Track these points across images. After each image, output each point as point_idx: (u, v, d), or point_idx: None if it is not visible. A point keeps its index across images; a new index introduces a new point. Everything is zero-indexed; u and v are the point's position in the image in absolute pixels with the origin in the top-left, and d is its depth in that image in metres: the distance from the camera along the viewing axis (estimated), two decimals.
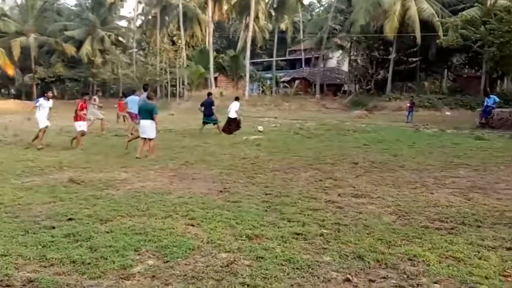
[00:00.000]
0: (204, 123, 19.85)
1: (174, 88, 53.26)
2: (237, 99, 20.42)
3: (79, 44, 56.53)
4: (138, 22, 69.00)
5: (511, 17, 28.95)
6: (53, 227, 5.93)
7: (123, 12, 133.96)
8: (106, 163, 11.58)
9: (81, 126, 14.88)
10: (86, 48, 56.12)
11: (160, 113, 13.51)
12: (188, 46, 59.62)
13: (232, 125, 19.65)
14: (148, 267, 4.69)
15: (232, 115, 19.66)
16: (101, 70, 55.98)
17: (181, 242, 5.34)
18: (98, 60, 56.94)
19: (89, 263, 4.71)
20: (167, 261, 4.83)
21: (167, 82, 53.51)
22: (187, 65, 53.28)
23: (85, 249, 5.12)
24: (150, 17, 65.39)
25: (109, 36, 58.13)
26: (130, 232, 5.73)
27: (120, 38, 64.53)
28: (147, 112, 12.83)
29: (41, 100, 15.04)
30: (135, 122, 15.90)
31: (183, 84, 53.11)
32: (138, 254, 5.03)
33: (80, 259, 4.81)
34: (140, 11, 68.24)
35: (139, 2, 65.52)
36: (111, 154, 13.28)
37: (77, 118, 14.96)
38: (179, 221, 6.29)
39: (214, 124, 19.78)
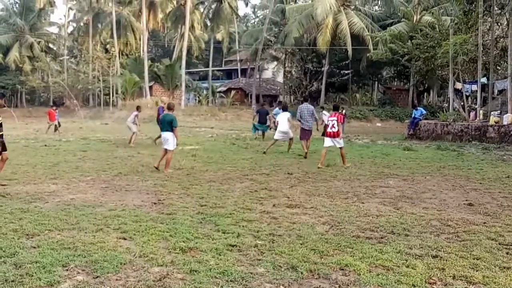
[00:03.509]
0: (256, 129, 23.01)
1: (108, 96, 52.13)
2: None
3: (5, 50, 54.13)
4: (70, 29, 67.21)
5: (435, 32, 30.43)
6: None
7: (53, 18, 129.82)
8: (35, 174, 11.12)
9: (337, 142, 13.66)
10: (14, 54, 53.82)
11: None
12: (122, 54, 58.64)
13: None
14: (77, 283, 4.51)
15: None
16: (30, 78, 53.91)
17: (112, 257, 5.18)
18: (27, 67, 54.77)
19: (13, 281, 4.48)
20: (97, 277, 4.67)
21: (100, 91, 52.31)
22: (121, 74, 52.37)
23: (9, 266, 4.86)
24: (82, 24, 63.84)
25: (38, 43, 56.11)
26: (58, 247, 5.51)
27: (51, 45, 62.47)
28: (168, 124, 12.48)
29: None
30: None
31: (116, 92, 52.04)
32: (67, 270, 4.83)
33: (3, 277, 4.56)
34: (71, 17, 66.48)
35: (70, 9, 63.84)
36: (40, 165, 12.76)
37: (333, 133, 13.62)
38: (110, 234, 6.12)
39: (263, 131, 22.79)
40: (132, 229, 6.35)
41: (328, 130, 13.81)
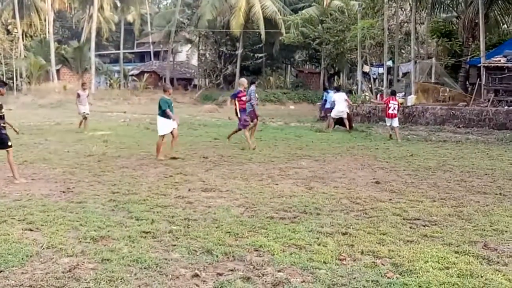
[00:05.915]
0: None
1: (11, 81, 49.09)
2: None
3: None
4: None
5: (344, 17, 31.43)
6: None
7: None
8: None
9: (394, 122, 16.46)
10: None
11: None
12: (26, 36, 55.23)
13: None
14: None
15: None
16: None
17: (17, 249, 4.93)
18: None
19: None
20: (1, 271, 4.42)
21: (2, 75, 49.12)
22: (25, 56, 49.45)
23: None
24: None
25: None
26: None
27: None
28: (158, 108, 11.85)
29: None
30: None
31: (21, 76, 49.18)
32: None
33: None
34: None
35: None
36: None
37: (394, 115, 16.41)
38: (15, 226, 5.81)
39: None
40: (39, 220, 6.07)
41: (390, 111, 16.42)
